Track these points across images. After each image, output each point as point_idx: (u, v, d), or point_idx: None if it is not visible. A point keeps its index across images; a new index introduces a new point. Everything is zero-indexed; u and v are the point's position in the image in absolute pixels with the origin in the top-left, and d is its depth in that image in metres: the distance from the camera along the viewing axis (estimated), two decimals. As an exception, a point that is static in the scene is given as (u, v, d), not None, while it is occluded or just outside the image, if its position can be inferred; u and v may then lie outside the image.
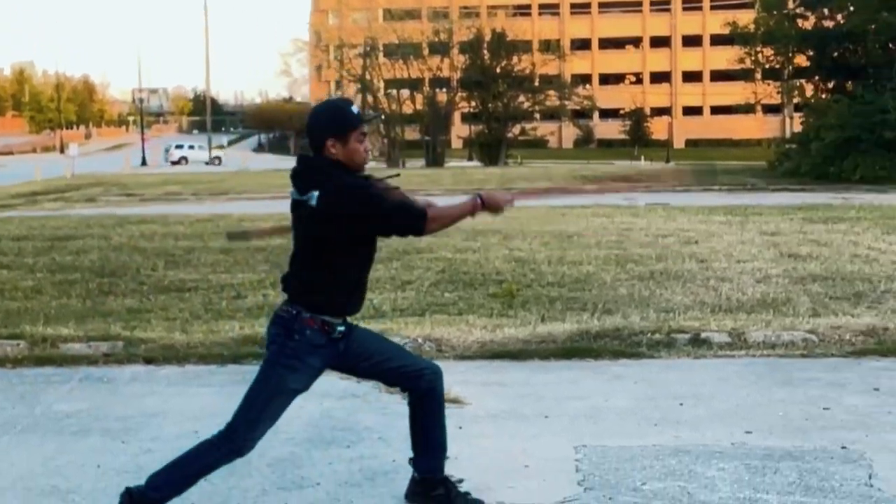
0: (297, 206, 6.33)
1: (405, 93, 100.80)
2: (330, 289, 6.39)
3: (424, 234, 6.41)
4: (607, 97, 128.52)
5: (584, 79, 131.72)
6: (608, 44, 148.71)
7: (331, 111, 6.43)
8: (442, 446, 6.95)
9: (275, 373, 6.39)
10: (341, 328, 6.51)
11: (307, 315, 6.36)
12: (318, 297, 6.38)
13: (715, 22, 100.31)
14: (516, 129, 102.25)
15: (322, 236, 6.23)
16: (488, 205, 6.51)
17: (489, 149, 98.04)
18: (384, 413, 9.05)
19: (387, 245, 20.05)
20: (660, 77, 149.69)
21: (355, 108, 6.45)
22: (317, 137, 6.31)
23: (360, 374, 7.06)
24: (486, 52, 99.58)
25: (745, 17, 63.28)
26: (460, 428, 8.58)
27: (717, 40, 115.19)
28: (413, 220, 6.30)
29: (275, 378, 6.39)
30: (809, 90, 60.79)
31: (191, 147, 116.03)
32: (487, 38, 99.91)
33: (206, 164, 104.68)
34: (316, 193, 6.17)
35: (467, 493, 6.98)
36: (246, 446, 6.44)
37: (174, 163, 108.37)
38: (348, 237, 6.25)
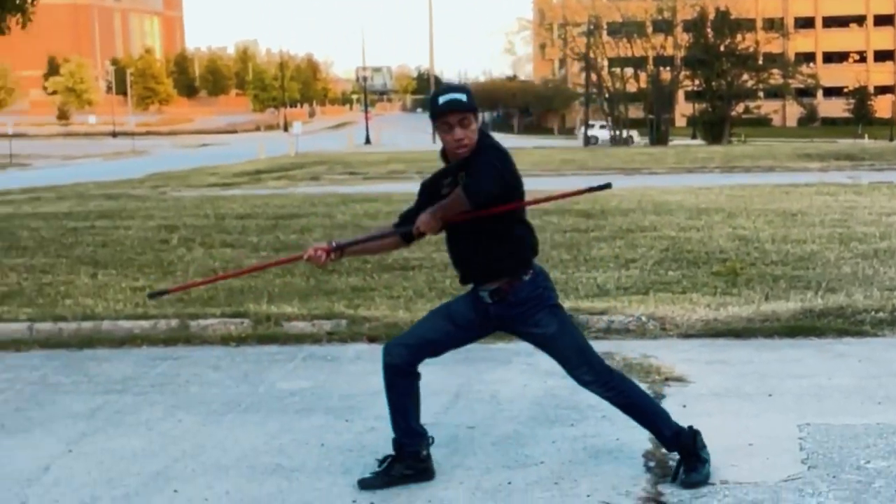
0: None
1: (629, 71, 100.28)
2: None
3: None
4: (831, 75, 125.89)
5: (808, 57, 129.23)
6: (832, 22, 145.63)
7: (429, 96, 6.71)
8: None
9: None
10: (483, 294, 6.83)
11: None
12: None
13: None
14: (740, 108, 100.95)
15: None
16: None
17: (713, 127, 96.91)
18: (609, 390, 9.02)
19: (610, 224, 19.99)
20: (884, 55, 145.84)
21: (445, 98, 6.64)
22: None
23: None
24: (709, 30, 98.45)
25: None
26: (684, 406, 8.52)
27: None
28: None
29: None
30: None
31: (602, 126, 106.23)
32: (711, 16, 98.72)
33: (613, 143, 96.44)
34: None
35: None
36: (389, 344, 7.12)
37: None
38: None
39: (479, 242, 6.70)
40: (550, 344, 6.91)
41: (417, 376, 7.01)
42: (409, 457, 6.96)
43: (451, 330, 6.96)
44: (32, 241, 19.43)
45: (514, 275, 6.76)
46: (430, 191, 6.88)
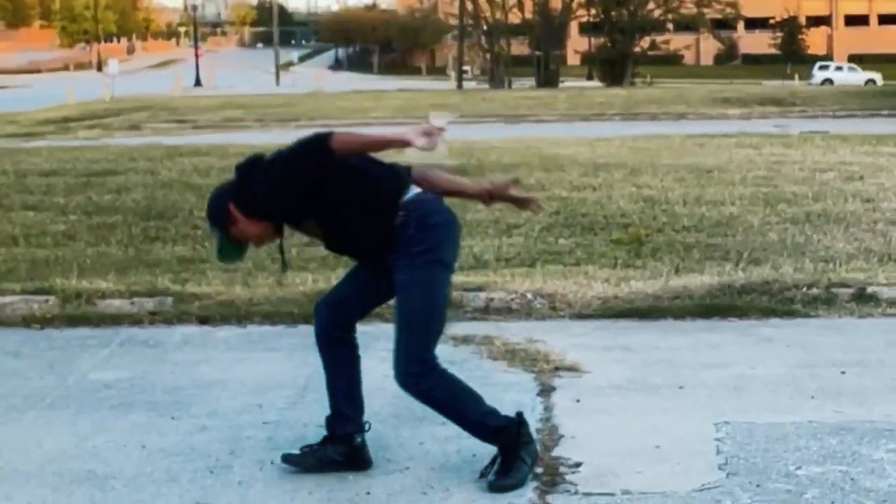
0: None
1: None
2: None
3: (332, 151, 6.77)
4: (754, 4, 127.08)
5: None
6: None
7: None
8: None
9: None
10: None
11: None
12: None
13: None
14: (645, 43, 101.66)
15: None
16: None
17: (612, 66, 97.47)
18: (486, 383, 8.91)
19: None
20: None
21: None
22: None
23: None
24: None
25: None
26: (578, 401, 8.59)
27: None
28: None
29: None
30: None
31: (838, 68, 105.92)
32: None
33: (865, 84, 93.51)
34: None
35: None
36: (316, 304, 7.68)
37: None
38: None
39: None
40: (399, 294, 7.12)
41: (353, 348, 7.39)
42: (341, 441, 7.23)
43: (362, 272, 7.36)
44: None
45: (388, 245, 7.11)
46: None
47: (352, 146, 6.87)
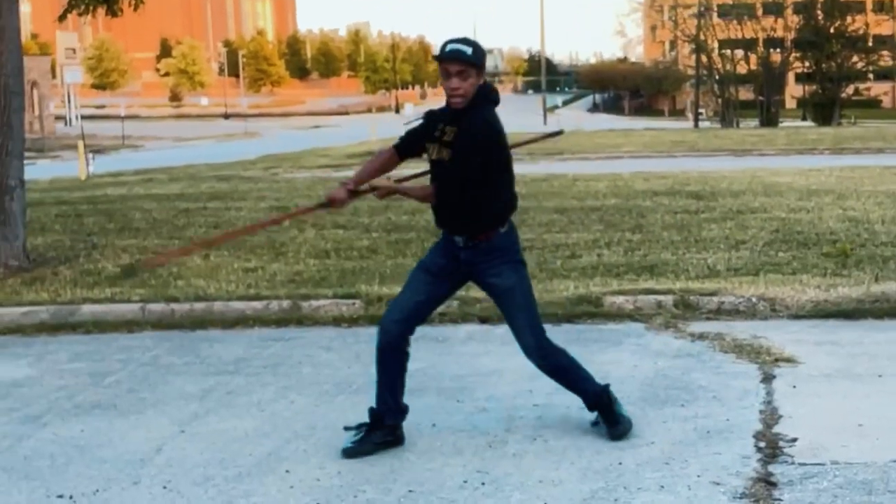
0: None
1: (739, 53, 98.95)
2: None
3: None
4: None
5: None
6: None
7: None
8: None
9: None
10: (457, 239, 7.10)
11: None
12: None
13: None
14: (849, 89, 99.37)
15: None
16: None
17: (822, 109, 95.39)
18: (717, 372, 8.95)
19: (720, 205, 19.81)
20: None
21: (451, 47, 6.84)
22: None
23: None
24: (819, 12, 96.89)
25: None
26: (794, 387, 8.45)
27: None
28: None
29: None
30: None
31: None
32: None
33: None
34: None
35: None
36: (384, 322, 7.30)
37: None
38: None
39: (464, 192, 6.95)
40: (505, 297, 7.21)
41: (408, 354, 7.33)
42: (388, 428, 7.27)
43: (429, 281, 7.24)
44: (145, 223, 19.60)
45: (491, 227, 7.07)
46: (428, 123, 7.21)
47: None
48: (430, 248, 7.42)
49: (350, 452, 7.12)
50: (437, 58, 6.83)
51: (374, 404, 7.31)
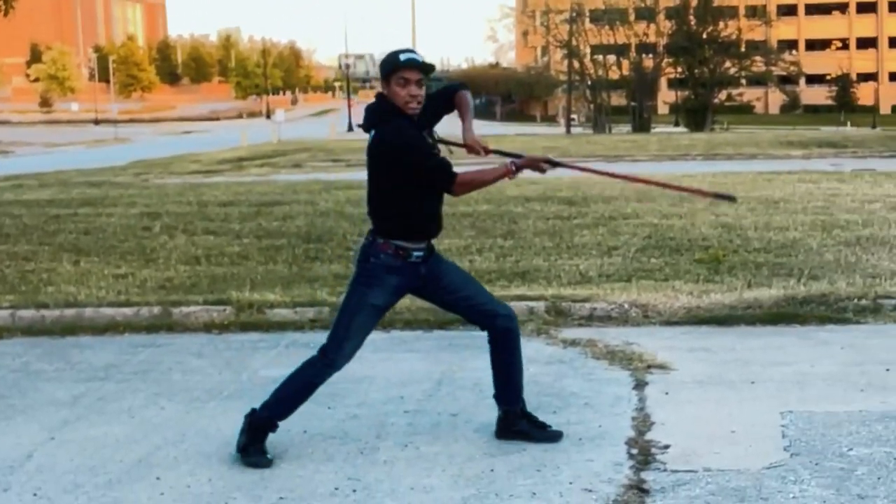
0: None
1: (611, 58, 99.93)
2: (399, 217, 7.00)
3: (455, 195, 7.05)
4: (813, 63, 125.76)
5: (791, 44, 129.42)
6: (814, 9, 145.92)
7: (385, 55, 6.99)
8: (519, 383, 7.45)
9: (356, 292, 7.13)
10: (419, 254, 7.10)
11: (381, 241, 7.06)
12: (390, 224, 7.05)
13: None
14: (722, 95, 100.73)
15: (379, 173, 7.05)
16: (522, 167, 7.03)
17: (695, 114, 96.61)
18: (590, 379, 9.02)
19: (593, 211, 19.98)
20: (866, 42, 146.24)
21: (406, 55, 6.94)
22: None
23: (441, 304, 7.54)
24: (692, 17, 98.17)
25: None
26: (667, 393, 8.53)
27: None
28: (447, 179, 6.92)
29: (355, 297, 7.12)
30: None
31: None
32: (693, 3, 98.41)
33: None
34: (373, 132, 7.08)
35: (546, 425, 7.44)
36: (337, 361, 7.20)
37: None
38: (399, 175, 6.93)
39: (441, 202, 7.16)
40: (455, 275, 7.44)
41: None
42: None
43: (380, 315, 7.32)
44: (15, 229, 19.33)
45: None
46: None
47: (472, 186, 7.11)
48: (376, 287, 7.12)
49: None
50: (396, 66, 6.93)
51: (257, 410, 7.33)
